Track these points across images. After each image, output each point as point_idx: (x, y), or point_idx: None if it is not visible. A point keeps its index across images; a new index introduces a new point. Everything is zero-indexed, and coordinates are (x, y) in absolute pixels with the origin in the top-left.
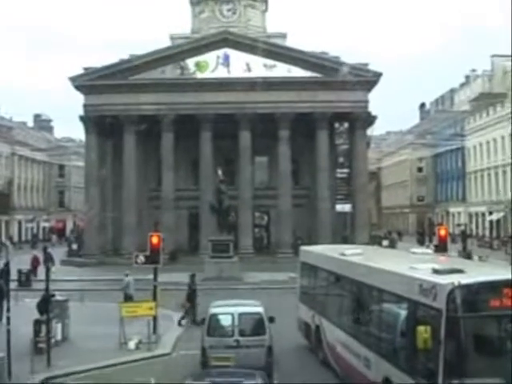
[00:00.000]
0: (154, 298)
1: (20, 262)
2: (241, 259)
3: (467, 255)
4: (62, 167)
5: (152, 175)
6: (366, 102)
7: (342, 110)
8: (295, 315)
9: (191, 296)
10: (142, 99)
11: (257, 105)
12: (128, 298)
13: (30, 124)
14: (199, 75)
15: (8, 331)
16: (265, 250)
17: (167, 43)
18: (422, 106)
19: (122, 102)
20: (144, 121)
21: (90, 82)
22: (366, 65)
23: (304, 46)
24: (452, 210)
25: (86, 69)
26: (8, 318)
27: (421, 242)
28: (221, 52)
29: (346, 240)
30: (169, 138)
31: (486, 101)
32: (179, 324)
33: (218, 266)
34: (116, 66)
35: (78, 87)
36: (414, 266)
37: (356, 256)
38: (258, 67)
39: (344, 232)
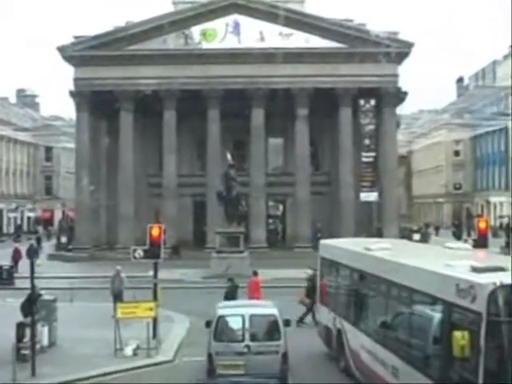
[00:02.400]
0: (155, 298)
1: (1, 257)
2: (252, 254)
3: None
4: (49, 149)
5: (152, 159)
6: (396, 76)
7: (368, 85)
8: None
9: (311, 291)
10: (141, 73)
11: (271, 79)
12: (118, 298)
13: (13, 100)
14: (205, 45)
15: None
16: (280, 244)
17: (169, 9)
18: (460, 80)
19: (117, 75)
20: (143, 97)
21: (81, 53)
22: (396, 34)
23: (325, 12)
24: (493, 199)
25: (76, 37)
26: None
27: (457, 236)
28: (230, 19)
29: (371, 233)
30: (171, 116)
31: None
32: (298, 324)
33: (227, 261)
34: (111, 35)
35: (67, 58)
36: (449, 263)
37: (383, 251)
38: (273, 36)
39: (369, 224)
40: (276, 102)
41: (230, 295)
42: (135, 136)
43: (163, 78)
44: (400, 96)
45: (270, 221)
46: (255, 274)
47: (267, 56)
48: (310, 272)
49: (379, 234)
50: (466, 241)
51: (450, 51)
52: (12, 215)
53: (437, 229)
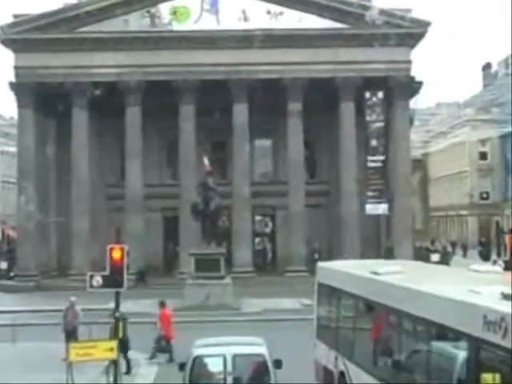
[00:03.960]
0: (116, 335)
1: None
2: (236, 280)
3: None
4: None
5: (112, 166)
6: (409, 62)
7: (375, 73)
8: (311, 357)
9: None
10: (97, 60)
11: (257, 68)
12: (71, 336)
13: None
14: (177, 27)
15: None
16: (269, 268)
17: None
18: (487, 67)
19: (68, 63)
20: (100, 91)
21: (22, 36)
22: (409, 11)
23: None
24: None
25: (16, 16)
26: None
27: (485, 256)
28: None
29: (380, 253)
30: (135, 114)
31: None
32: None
33: (204, 289)
34: (60, 14)
35: (5, 42)
36: (475, 289)
37: (394, 276)
38: (259, 16)
39: (377, 243)
40: (263, 95)
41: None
42: (91, 138)
43: (124, 66)
44: (414, 87)
45: (257, 239)
46: (163, 305)
47: (252, 39)
48: None
49: (389, 254)
50: (495, 262)
51: (474, 32)
52: None
53: (464, 249)
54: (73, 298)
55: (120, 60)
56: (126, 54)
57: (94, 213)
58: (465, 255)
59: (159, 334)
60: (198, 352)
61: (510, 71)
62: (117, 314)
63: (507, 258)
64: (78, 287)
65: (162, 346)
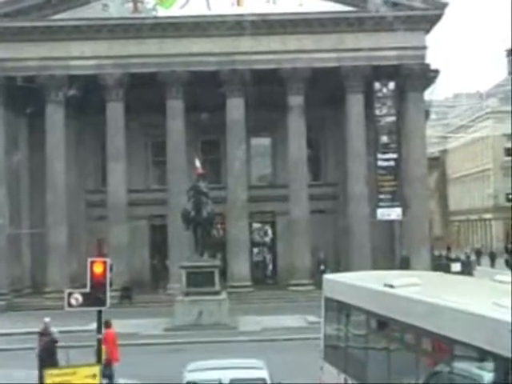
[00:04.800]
0: (99, 360)
1: None
2: (232, 296)
3: None
4: None
5: (92, 169)
6: (423, 48)
7: (386, 61)
8: (317, 382)
9: None
10: (74, 51)
11: (252, 57)
12: (47, 363)
13: None
14: (162, 12)
15: None
16: (269, 281)
17: None
18: (511, 53)
19: (41, 55)
20: (77, 85)
21: None
22: None
23: None
24: None
25: None
26: None
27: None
28: None
29: (394, 263)
30: (117, 110)
31: None
32: None
33: (197, 307)
34: None
35: None
36: (500, 302)
37: (411, 288)
38: None
39: (391, 251)
40: (260, 88)
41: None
42: (68, 138)
43: (104, 57)
44: (429, 76)
45: (256, 250)
46: (108, 325)
47: (247, 25)
48: None
49: (405, 264)
50: None
51: (496, 13)
52: None
53: (492, 257)
54: (46, 319)
55: (99, 50)
56: (105, 43)
57: (73, 222)
58: (492, 265)
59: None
60: (190, 377)
61: None
62: (99, 336)
63: None
64: (55, 306)
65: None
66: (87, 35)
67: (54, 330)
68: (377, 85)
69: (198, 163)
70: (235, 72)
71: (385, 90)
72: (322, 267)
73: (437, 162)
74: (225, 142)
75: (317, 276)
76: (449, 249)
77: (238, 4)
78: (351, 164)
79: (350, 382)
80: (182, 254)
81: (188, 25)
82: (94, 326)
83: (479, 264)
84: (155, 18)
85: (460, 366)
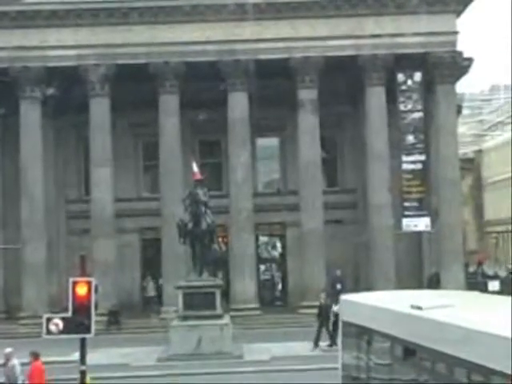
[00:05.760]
0: None
1: None
2: (236, 320)
3: None
4: None
5: (73, 176)
6: (454, 33)
7: (411, 49)
8: None
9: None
10: (52, 39)
11: (257, 45)
12: None
13: None
14: None
15: None
16: (278, 303)
17: None
18: None
19: (14, 44)
20: (56, 79)
21: None
22: None
23: None
24: None
25: None
26: None
27: None
28: None
29: (422, 282)
30: (102, 108)
31: None
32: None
33: (196, 333)
34: None
35: None
36: None
37: (442, 310)
38: None
39: (419, 268)
40: (266, 81)
41: None
42: (46, 141)
43: (87, 46)
44: (461, 66)
45: (263, 267)
46: (36, 356)
47: (250, 9)
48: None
49: (434, 282)
50: None
51: None
52: None
53: None
54: (8, 350)
55: (81, 39)
56: (88, 30)
57: (52, 237)
58: None
59: None
60: None
61: None
62: (83, 368)
63: None
64: (31, 334)
65: None
66: (67, 21)
67: (15, 361)
68: (400, 76)
69: (195, 167)
70: (237, 63)
71: (410, 82)
72: (339, 286)
73: (471, 165)
74: (226, 142)
75: (332, 297)
76: (479, 264)
77: None
78: (372, 167)
79: None
80: (177, 273)
81: (183, 9)
82: (76, 355)
83: None
84: (145, 1)
85: None
